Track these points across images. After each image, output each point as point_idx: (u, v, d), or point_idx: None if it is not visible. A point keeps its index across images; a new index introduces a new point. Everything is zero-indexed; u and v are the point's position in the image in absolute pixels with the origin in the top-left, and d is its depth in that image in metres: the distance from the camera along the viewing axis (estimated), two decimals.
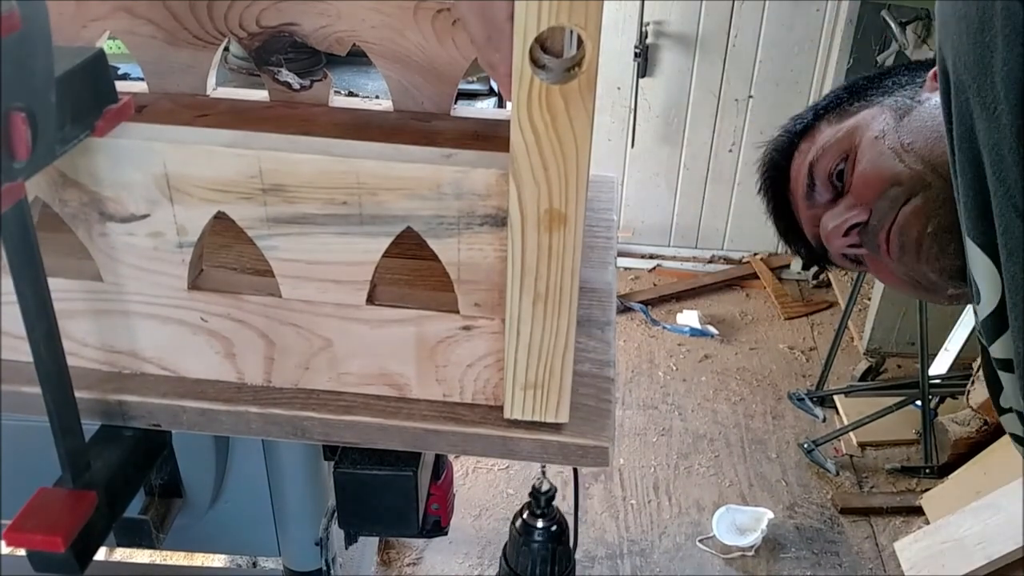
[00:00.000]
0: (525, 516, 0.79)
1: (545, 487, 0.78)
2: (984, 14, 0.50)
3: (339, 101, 0.89)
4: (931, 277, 0.68)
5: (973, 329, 0.64)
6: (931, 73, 0.72)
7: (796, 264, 3.24)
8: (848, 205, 0.71)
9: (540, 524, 0.77)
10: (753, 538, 2.10)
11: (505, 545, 0.81)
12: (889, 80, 0.75)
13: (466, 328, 0.62)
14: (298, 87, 0.87)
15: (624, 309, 3.01)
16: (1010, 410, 0.63)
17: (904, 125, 0.68)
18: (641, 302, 3.05)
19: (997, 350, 0.58)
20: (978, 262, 0.56)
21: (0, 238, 0.49)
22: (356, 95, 1.64)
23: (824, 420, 2.55)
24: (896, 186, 0.67)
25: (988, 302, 0.57)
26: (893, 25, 2.43)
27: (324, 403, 0.65)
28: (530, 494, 0.78)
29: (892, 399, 2.41)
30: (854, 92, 0.76)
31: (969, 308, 0.65)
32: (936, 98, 0.69)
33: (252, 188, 0.56)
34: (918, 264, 0.68)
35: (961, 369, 2.41)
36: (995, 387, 0.63)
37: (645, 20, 2.90)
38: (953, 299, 0.70)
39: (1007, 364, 0.58)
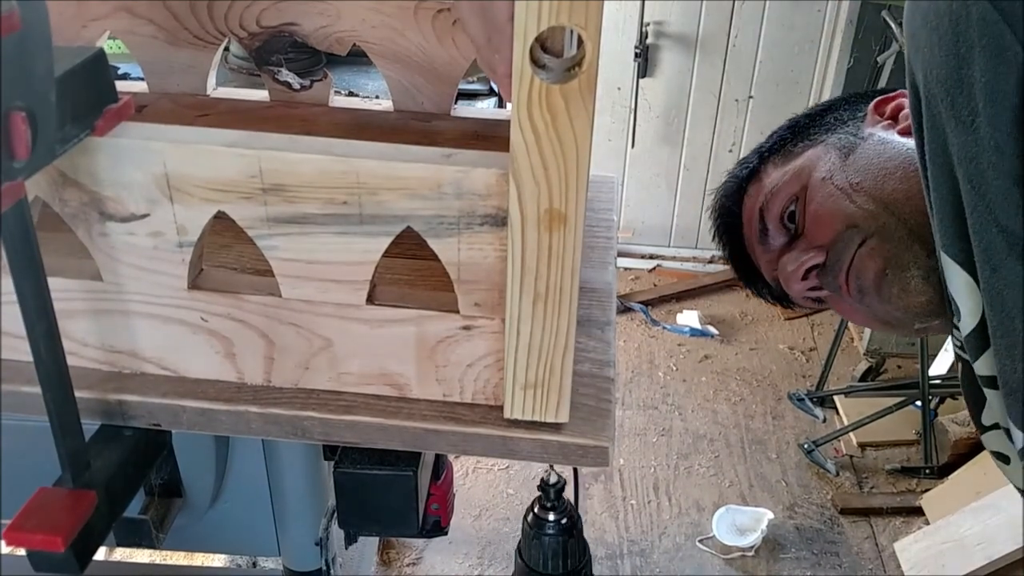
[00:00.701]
0: (536, 510, 0.78)
1: (553, 479, 0.77)
2: (958, 26, 0.49)
3: (339, 101, 0.89)
4: (896, 315, 0.67)
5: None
6: (871, 106, 0.72)
7: None
8: (803, 248, 0.71)
9: (551, 517, 0.77)
10: (753, 538, 2.10)
11: (519, 541, 0.80)
12: (830, 116, 0.75)
13: (466, 328, 0.62)
14: (298, 87, 0.87)
15: (624, 309, 3.01)
16: (993, 427, 0.62)
17: (850, 164, 0.68)
18: (641, 302, 3.05)
19: (982, 367, 0.57)
20: (956, 279, 0.55)
21: (0, 237, 0.49)
22: (356, 95, 1.64)
23: (824, 420, 2.55)
24: (851, 227, 0.67)
25: (969, 318, 0.56)
26: (893, 25, 2.43)
27: (324, 403, 0.65)
28: (539, 487, 0.78)
29: (892, 399, 2.41)
30: (797, 131, 0.76)
31: None
32: (879, 132, 0.69)
33: (252, 188, 0.56)
34: (881, 304, 0.67)
35: None
36: (978, 403, 0.62)
37: (645, 20, 2.90)
38: (920, 332, 0.70)
39: (992, 381, 0.57)
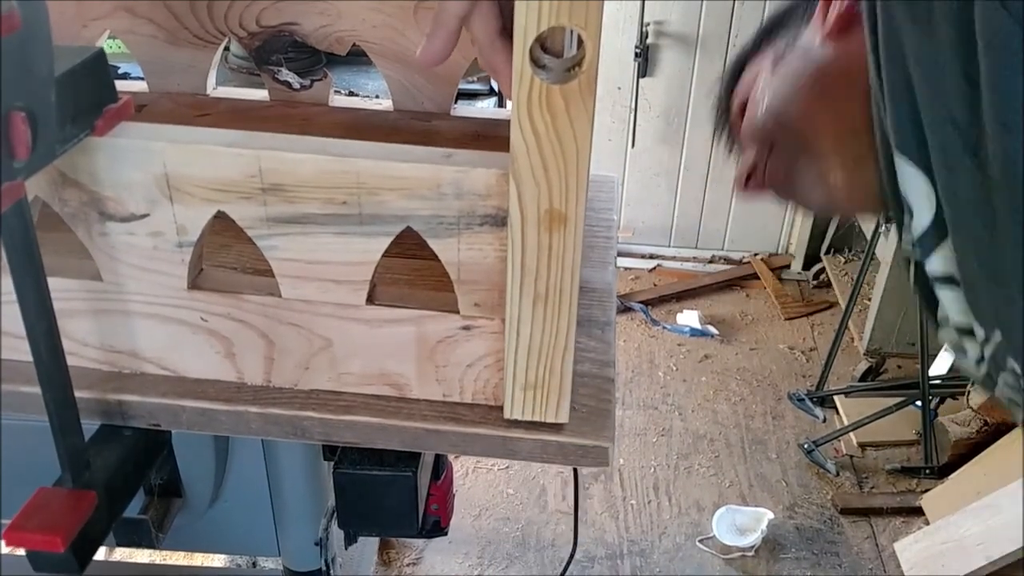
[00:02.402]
0: None
1: None
2: None
3: (339, 101, 0.89)
4: (807, 209, 0.72)
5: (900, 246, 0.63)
6: (819, 6, 0.67)
7: (796, 264, 3.24)
8: (746, 150, 0.74)
9: None
10: (753, 538, 2.10)
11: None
12: (801, 9, 0.70)
13: (466, 328, 0.62)
14: (298, 87, 0.87)
15: (624, 309, 3.01)
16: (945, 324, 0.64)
17: (774, 74, 0.68)
18: (641, 302, 3.05)
19: (934, 265, 0.58)
20: (911, 179, 0.55)
21: (0, 237, 0.49)
22: (357, 95, 1.64)
23: (824, 420, 2.55)
24: (757, 140, 0.70)
25: (924, 217, 0.56)
26: None
27: (324, 403, 0.65)
28: None
29: (892, 399, 2.41)
30: (776, 23, 0.73)
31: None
32: (806, 39, 0.66)
33: (252, 188, 0.56)
34: (792, 200, 0.71)
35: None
36: (931, 302, 0.63)
37: (646, 20, 2.90)
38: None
39: (946, 280, 0.58)
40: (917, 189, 0.55)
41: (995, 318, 0.55)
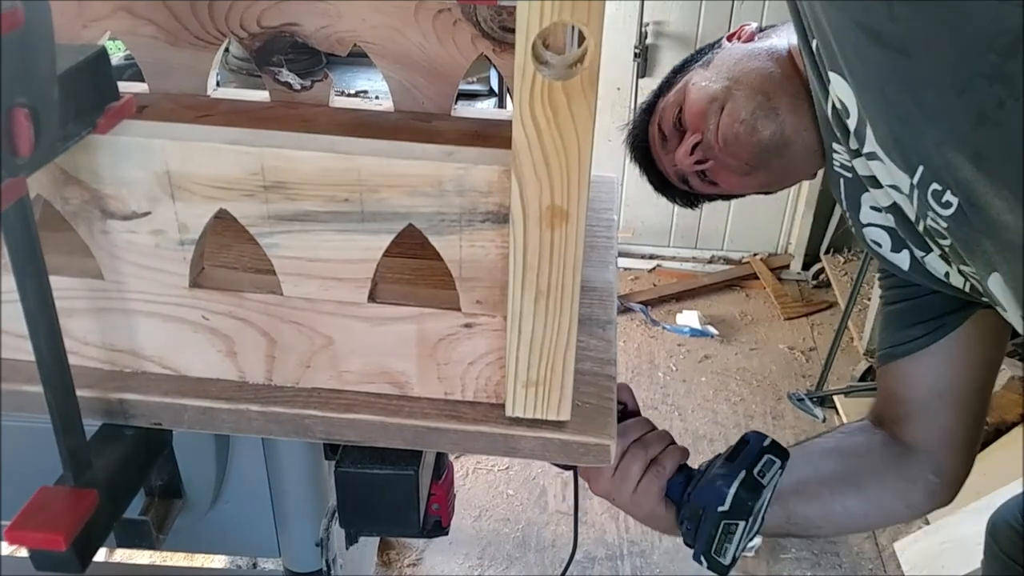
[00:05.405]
0: None
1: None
2: None
3: (340, 101, 0.89)
4: (755, 154, 0.85)
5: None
6: (724, 38, 0.95)
7: (796, 264, 3.25)
8: (688, 135, 0.91)
9: None
10: (753, 538, 2.10)
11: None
12: (699, 54, 0.98)
13: (467, 326, 0.62)
14: (299, 87, 0.87)
15: (624, 309, 3.01)
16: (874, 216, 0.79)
17: (710, 67, 0.91)
18: (641, 302, 3.05)
19: (870, 146, 0.70)
20: (841, 87, 0.70)
21: (1, 235, 0.49)
22: (366, 94, 1.64)
23: (824, 420, 2.55)
24: (712, 101, 0.87)
25: (852, 110, 0.70)
26: None
27: (325, 401, 0.65)
28: None
29: None
30: (677, 70, 0.99)
31: None
32: (728, 45, 0.92)
33: (254, 185, 0.56)
34: (740, 147, 0.85)
35: None
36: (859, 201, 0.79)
37: (645, 20, 2.90)
38: (784, 173, 0.89)
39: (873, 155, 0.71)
40: (846, 92, 0.70)
41: (916, 155, 0.65)
